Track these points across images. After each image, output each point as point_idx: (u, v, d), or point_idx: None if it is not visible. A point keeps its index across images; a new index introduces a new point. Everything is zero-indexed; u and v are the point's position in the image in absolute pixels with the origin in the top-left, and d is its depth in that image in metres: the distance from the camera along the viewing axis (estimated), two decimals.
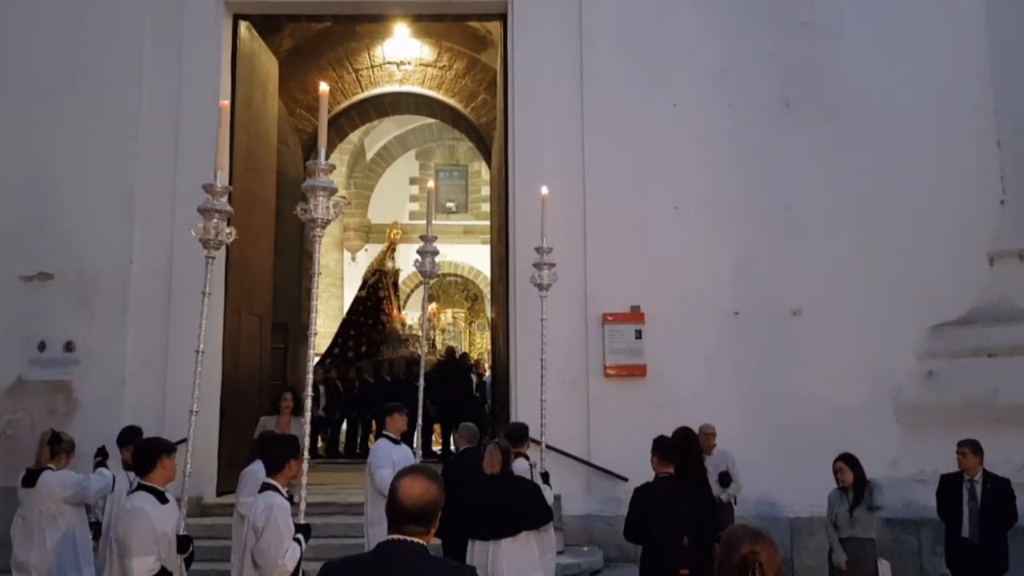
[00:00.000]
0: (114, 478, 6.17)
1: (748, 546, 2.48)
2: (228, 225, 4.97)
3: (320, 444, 13.74)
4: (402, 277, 18.35)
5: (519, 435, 6.79)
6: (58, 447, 6.05)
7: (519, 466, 6.47)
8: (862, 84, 9.28)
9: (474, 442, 7.22)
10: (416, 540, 2.57)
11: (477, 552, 5.80)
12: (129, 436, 6.35)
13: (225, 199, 4.96)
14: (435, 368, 13.10)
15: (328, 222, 4.62)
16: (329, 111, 13.60)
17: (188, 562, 4.66)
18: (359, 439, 13.87)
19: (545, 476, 6.83)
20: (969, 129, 9.15)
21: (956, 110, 9.18)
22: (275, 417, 8.03)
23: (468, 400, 13.60)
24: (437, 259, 7.50)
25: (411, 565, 2.54)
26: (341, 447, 14.14)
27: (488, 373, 14.68)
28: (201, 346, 4.98)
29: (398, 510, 2.58)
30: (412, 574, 2.53)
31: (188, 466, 4.85)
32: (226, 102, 5.40)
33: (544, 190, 7.26)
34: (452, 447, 11.33)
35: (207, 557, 7.17)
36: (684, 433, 6.66)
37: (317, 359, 15.43)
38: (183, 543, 4.60)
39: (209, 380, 8.81)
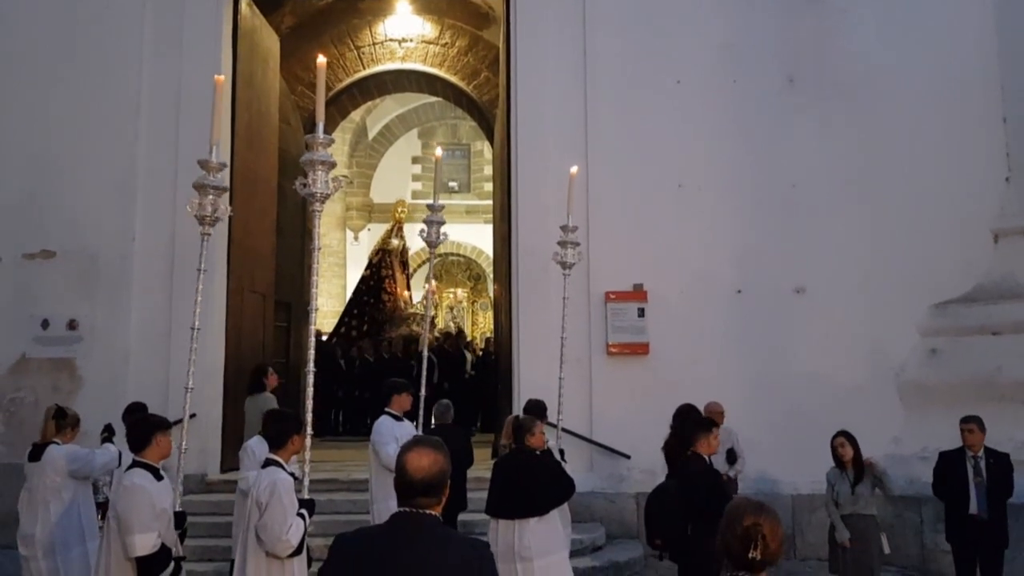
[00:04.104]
0: (120, 453, 6.17)
1: (751, 518, 2.49)
2: (230, 203, 4.93)
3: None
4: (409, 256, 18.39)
5: (541, 412, 6.79)
6: (63, 421, 6.07)
7: (551, 443, 6.46)
8: (867, 61, 9.20)
9: (447, 419, 7.27)
10: (429, 512, 2.56)
11: (502, 531, 5.70)
12: (135, 412, 6.37)
13: (221, 175, 4.91)
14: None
15: (327, 196, 4.58)
16: (330, 89, 13.65)
17: (181, 538, 4.68)
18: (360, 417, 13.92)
19: (561, 453, 6.82)
20: (974, 106, 9.08)
21: (961, 87, 9.10)
22: (261, 395, 7.96)
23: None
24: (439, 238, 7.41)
25: (426, 536, 2.53)
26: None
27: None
28: (197, 323, 4.96)
29: (408, 484, 2.56)
30: (426, 545, 2.51)
31: (184, 443, 4.86)
32: (222, 76, 5.33)
33: (573, 169, 7.15)
34: None
35: (212, 533, 7.25)
36: (686, 409, 6.69)
37: (324, 338, 15.51)
38: (179, 519, 4.61)
39: (212, 358, 8.86)
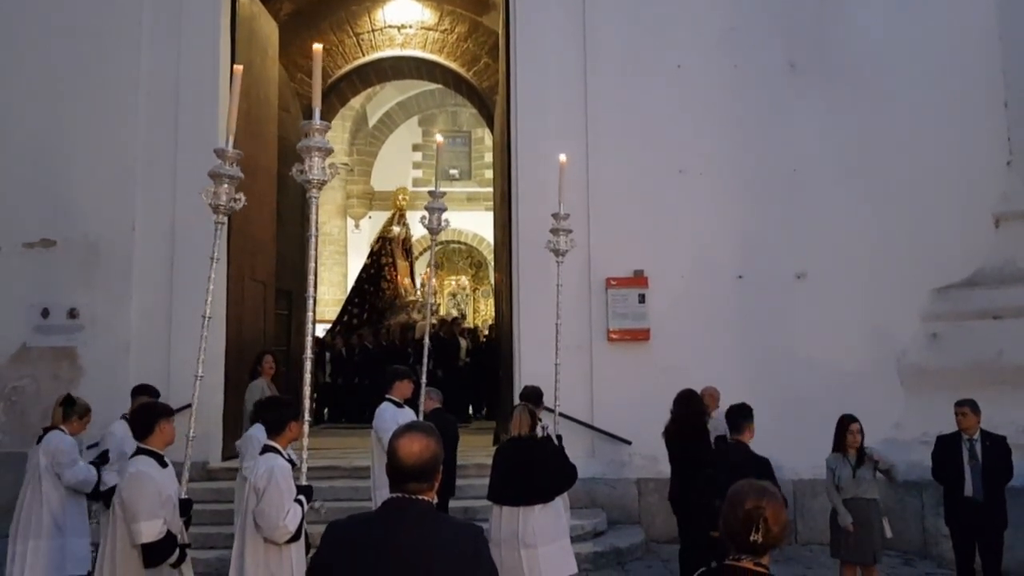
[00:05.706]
0: (98, 479, 6.03)
1: (753, 501, 2.47)
2: (237, 191, 4.89)
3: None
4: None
5: (537, 398, 6.78)
6: (70, 409, 6.05)
7: (549, 428, 6.46)
8: (868, 45, 9.17)
9: (441, 403, 7.24)
10: (421, 497, 2.55)
11: (505, 518, 5.65)
12: (141, 392, 6.37)
13: (236, 165, 4.87)
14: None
15: (323, 183, 4.53)
16: (329, 76, 13.60)
17: (187, 525, 4.67)
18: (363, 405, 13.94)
19: (559, 439, 6.80)
20: (976, 90, 9.05)
21: (963, 71, 9.07)
22: (262, 380, 7.97)
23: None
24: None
25: (417, 521, 2.51)
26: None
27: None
28: (208, 312, 4.91)
29: (400, 470, 2.55)
30: (419, 530, 2.50)
31: (192, 431, 4.84)
32: (239, 66, 5.25)
33: (562, 157, 7.13)
34: None
35: (213, 520, 7.26)
36: (687, 395, 6.68)
37: (328, 327, 15.50)
38: (185, 506, 4.61)
39: (213, 346, 8.80)
